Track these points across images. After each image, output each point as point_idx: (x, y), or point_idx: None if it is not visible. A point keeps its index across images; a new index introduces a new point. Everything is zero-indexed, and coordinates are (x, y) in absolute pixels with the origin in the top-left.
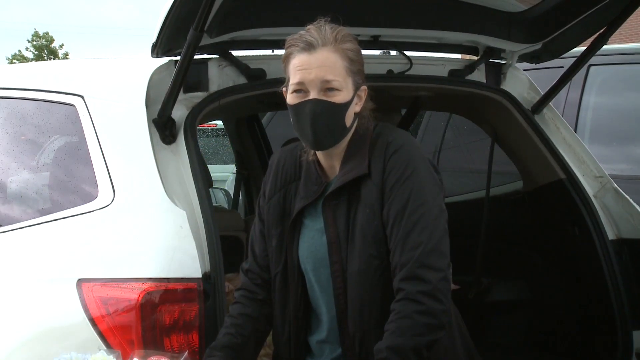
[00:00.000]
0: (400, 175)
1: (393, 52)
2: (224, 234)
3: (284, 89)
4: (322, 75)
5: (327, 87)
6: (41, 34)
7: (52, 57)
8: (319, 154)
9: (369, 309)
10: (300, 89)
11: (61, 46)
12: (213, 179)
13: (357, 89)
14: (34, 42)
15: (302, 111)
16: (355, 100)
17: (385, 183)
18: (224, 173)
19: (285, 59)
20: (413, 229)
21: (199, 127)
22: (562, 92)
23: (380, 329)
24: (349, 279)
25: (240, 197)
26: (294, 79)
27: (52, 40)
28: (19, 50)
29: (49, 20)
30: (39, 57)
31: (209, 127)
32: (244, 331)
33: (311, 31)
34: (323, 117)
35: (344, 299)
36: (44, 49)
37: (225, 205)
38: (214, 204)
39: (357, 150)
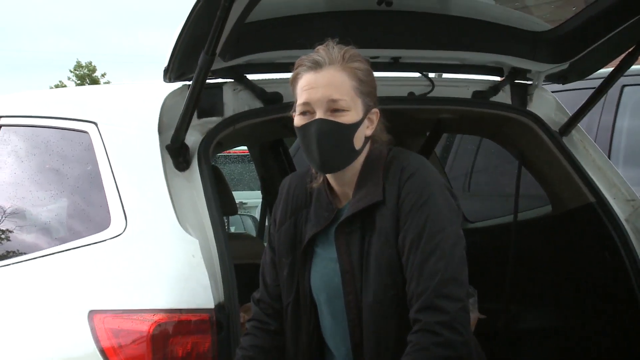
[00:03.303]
0: (415, 201)
1: (444, 75)
2: (245, 262)
3: (293, 113)
4: (328, 94)
5: (334, 108)
6: (83, 64)
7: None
8: (330, 179)
9: (385, 340)
10: (307, 109)
11: (103, 75)
12: (247, 205)
13: (367, 111)
14: (77, 72)
15: (308, 132)
16: (366, 123)
17: (401, 209)
18: (256, 199)
19: (293, 80)
20: (429, 257)
21: (230, 152)
22: (595, 115)
23: None
24: (364, 310)
25: (266, 224)
26: (300, 99)
27: (94, 70)
28: (60, 81)
29: (90, 49)
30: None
31: (243, 153)
32: None
33: (319, 51)
34: (329, 138)
35: (359, 331)
36: (86, 78)
37: (254, 232)
38: (242, 231)
39: (370, 175)
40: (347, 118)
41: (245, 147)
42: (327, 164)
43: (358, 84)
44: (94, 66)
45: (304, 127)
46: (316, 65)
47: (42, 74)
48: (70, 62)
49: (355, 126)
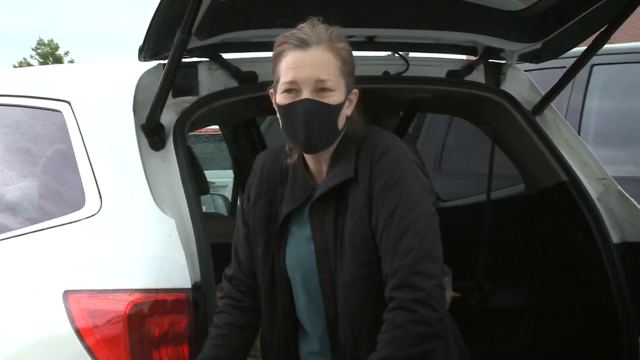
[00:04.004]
0: (387, 180)
1: (417, 54)
2: (219, 242)
3: (271, 90)
4: (316, 74)
5: (321, 87)
6: (46, 42)
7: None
8: (307, 157)
9: (360, 319)
10: (292, 88)
11: (66, 53)
12: (214, 184)
13: (349, 91)
14: (39, 50)
15: (294, 112)
16: (347, 103)
17: (373, 189)
18: (225, 179)
19: (276, 57)
20: (403, 235)
21: (200, 132)
22: (564, 94)
23: (372, 339)
24: (338, 289)
25: (238, 203)
26: (285, 77)
27: (57, 48)
28: (24, 59)
29: (51, 27)
30: (44, 65)
31: (213, 133)
32: (231, 342)
33: (305, 29)
34: (317, 118)
35: (334, 309)
36: (49, 56)
37: (225, 212)
38: (213, 211)
39: (343, 153)
40: (333, 99)
41: (213, 127)
42: (313, 144)
43: (342, 64)
44: (57, 44)
45: (289, 106)
46: (303, 44)
47: (3, 52)
48: (32, 40)
49: (339, 107)
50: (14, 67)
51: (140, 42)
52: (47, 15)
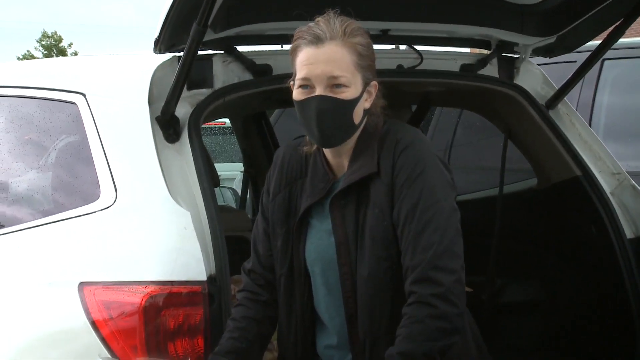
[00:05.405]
0: (409, 174)
1: (402, 47)
2: (230, 234)
3: (291, 82)
4: (329, 70)
5: (334, 83)
6: (49, 34)
7: (62, 56)
8: (327, 151)
9: (379, 312)
10: (306, 84)
11: (70, 45)
12: (221, 177)
13: (366, 84)
14: (43, 42)
15: (307, 108)
16: (365, 96)
17: (395, 182)
18: (232, 171)
19: (293, 52)
20: (424, 229)
21: (207, 125)
22: (575, 89)
23: (391, 333)
24: (358, 282)
25: (248, 196)
26: (300, 73)
27: (60, 40)
28: (28, 51)
29: (54, 19)
30: (48, 57)
31: (217, 125)
32: (248, 335)
33: (320, 24)
34: (329, 114)
35: (353, 303)
36: (53, 48)
37: (233, 205)
38: (222, 203)
39: (365, 147)
40: (347, 94)
41: (219, 120)
42: (328, 139)
43: (358, 58)
44: (60, 36)
45: (303, 102)
46: (317, 40)
47: (6, 44)
48: (35, 32)
49: (354, 102)
50: (18, 59)
51: (156, 34)
52: (50, 8)
